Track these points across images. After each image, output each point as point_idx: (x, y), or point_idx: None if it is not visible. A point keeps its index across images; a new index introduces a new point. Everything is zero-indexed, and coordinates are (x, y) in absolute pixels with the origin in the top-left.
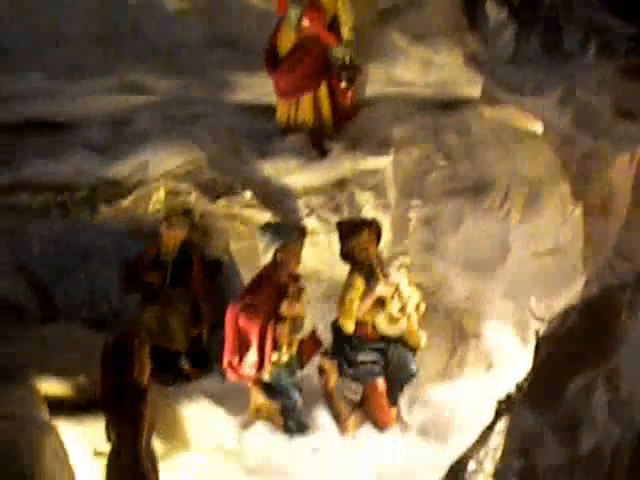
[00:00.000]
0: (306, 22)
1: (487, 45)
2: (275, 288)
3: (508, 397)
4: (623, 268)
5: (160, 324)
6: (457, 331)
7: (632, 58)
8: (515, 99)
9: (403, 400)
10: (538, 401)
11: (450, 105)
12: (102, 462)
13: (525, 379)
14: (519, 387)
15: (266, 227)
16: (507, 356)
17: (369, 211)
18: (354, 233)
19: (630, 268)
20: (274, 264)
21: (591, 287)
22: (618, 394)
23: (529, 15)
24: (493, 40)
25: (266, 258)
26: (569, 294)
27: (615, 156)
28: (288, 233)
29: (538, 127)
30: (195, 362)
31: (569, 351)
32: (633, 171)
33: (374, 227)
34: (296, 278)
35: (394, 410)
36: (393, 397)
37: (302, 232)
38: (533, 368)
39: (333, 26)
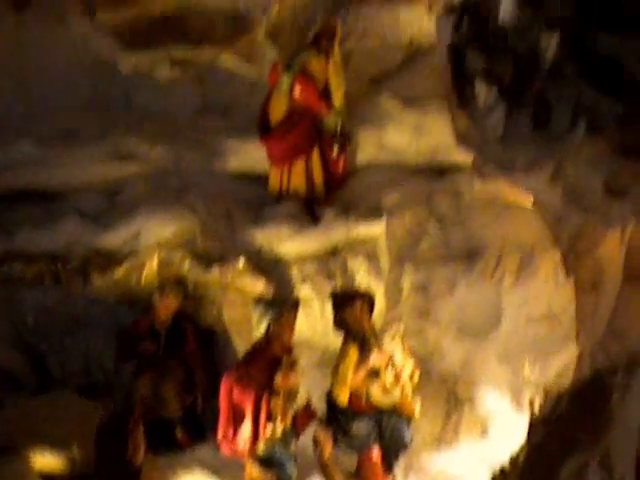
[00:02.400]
0: (297, 91)
1: (477, 125)
2: (269, 360)
3: (502, 471)
4: (615, 348)
5: (154, 392)
6: (451, 397)
7: (621, 136)
8: (505, 175)
9: (398, 468)
10: None
11: (442, 171)
12: None
13: (519, 452)
14: (513, 460)
15: (259, 301)
16: (502, 421)
17: (362, 277)
18: (347, 305)
19: (622, 349)
20: (268, 337)
21: (583, 366)
22: (611, 475)
23: (518, 94)
24: (483, 120)
25: (260, 331)
26: (563, 358)
27: (605, 233)
28: (281, 306)
29: (528, 202)
30: (190, 431)
31: (562, 434)
32: (624, 248)
33: (367, 298)
34: (289, 350)
35: (390, 478)
36: (388, 465)
37: (295, 304)
38: (527, 452)
39: (325, 93)
